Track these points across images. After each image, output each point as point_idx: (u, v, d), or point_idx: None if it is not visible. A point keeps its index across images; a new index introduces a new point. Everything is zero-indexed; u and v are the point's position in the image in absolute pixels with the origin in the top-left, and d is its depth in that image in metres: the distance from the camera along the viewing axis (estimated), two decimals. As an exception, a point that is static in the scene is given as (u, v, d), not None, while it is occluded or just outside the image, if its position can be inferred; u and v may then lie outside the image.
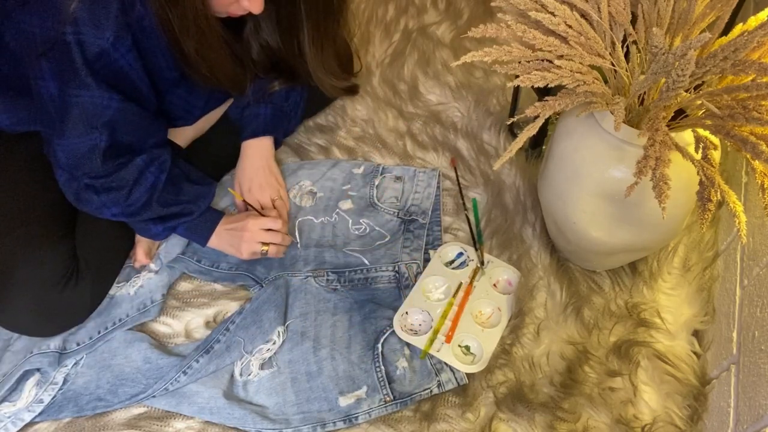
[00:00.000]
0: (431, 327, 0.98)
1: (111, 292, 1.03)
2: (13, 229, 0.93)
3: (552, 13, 0.77)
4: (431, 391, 0.93)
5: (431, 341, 0.96)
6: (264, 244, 1.03)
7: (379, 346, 0.97)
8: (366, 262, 1.08)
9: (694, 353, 0.96)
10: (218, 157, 1.17)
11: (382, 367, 0.95)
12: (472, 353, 0.97)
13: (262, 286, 1.04)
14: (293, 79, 1.10)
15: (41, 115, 0.88)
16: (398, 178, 1.20)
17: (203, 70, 0.93)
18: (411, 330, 0.99)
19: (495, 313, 1.01)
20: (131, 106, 0.89)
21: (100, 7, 0.78)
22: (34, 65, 0.82)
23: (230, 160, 1.20)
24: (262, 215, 1.06)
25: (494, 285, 1.04)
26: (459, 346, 0.97)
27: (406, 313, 1.00)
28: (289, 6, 0.96)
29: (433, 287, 1.04)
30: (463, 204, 1.16)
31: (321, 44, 1.01)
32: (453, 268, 1.07)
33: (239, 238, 1.02)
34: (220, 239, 1.04)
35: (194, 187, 1.03)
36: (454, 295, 1.02)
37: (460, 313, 1.00)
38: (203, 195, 1.03)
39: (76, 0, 0.77)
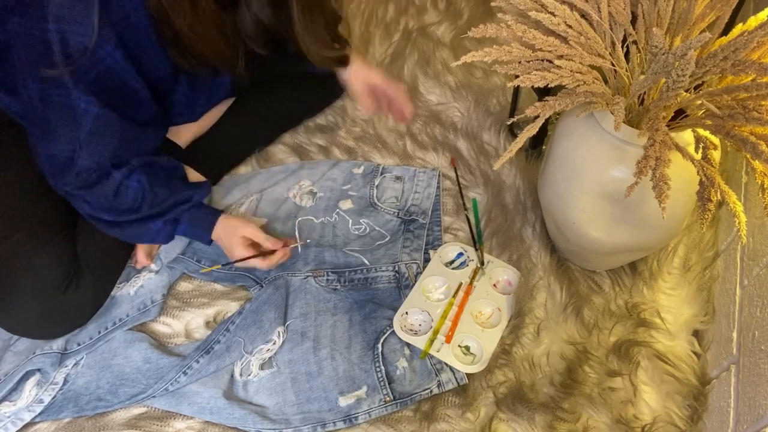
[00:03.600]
0: (431, 327, 0.98)
1: (111, 292, 1.03)
2: (15, 232, 0.93)
3: (552, 13, 0.77)
4: (431, 391, 0.93)
5: (431, 341, 0.96)
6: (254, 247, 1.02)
7: (379, 346, 0.97)
8: (366, 262, 1.08)
9: (694, 353, 0.96)
10: (217, 157, 1.17)
11: (382, 367, 0.95)
12: (472, 353, 0.97)
13: (262, 287, 1.04)
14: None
15: (27, 120, 0.88)
16: (398, 178, 1.20)
17: (195, 48, 0.90)
18: (411, 330, 0.99)
19: (495, 313, 1.01)
20: (113, 116, 0.88)
21: (81, 4, 0.77)
22: (19, 64, 0.82)
23: (229, 160, 1.20)
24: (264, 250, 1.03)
25: (494, 285, 1.04)
26: (459, 346, 0.97)
27: (406, 313, 1.00)
28: None
29: (433, 287, 1.04)
30: (463, 204, 1.16)
31: (310, 12, 0.98)
32: (453, 269, 1.07)
33: (230, 248, 1.02)
34: (222, 231, 1.02)
35: (187, 183, 1.02)
36: (454, 295, 1.02)
37: (460, 313, 1.00)
38: (199, 186, 1.03)
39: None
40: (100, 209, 0.93)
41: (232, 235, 1.02)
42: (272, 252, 1.02)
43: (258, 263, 1.01)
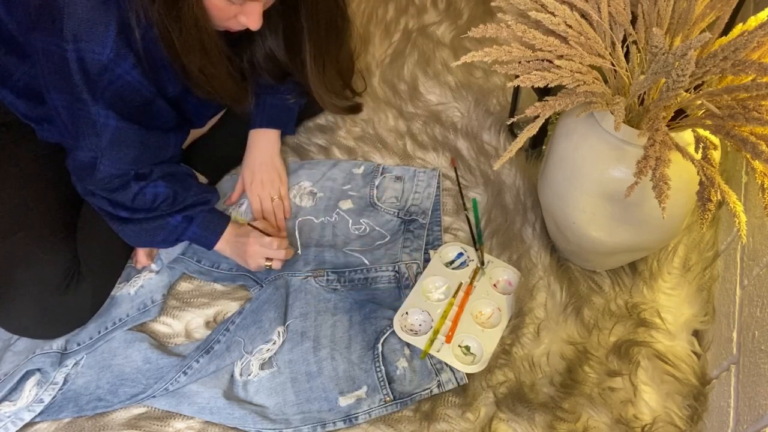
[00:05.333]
0: (431, 327, 0.98)
1: (111, 292, 1.03)
2: (15, 231, 0.93)
3: (552, 13, 0.77)
4: (431, 391, 0.93)
5: (431, 341, 0.96)
6: (267, 258, 1.03)
7: (379, 346, 0.97)
8: (366, 262, 1.08)
9: (694, 353, 0.96)
10: (217, 158, 1.17)
11: (382, 367, 0.95)
12: (472, 353, 0.97)
13: (262, 287, 1.04)
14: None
15: (58, 125, 0.91)
16: (398, 178, 1.20)
17: (206, 86, 0.93)
18: (411, 330, 0.99)
19: (495, 314, 1.01)
20: (132, 128, 0.90)
21: (99, 25, 0.79)
22: (41, 76, 0.84)
23: (229, 161, 1.20)
24: (266, 234, 1.05)
25: (494, 285, 1.04)
26: (459, 346, 0.97)
27: (407, 313, 1.00)
28: (291, 22, 0.96)
29: (433, 287, 1.04)
30: (463, 204, 1.16)
31: (322, 62, 1.03)
32: (453, 269, 1.06)
33: (244, 252, 1.03)
34: (226, 245, 1.04)
35: (204, 186, 1.04)
36: (455, 295, 1.02)
37: (460, 313, 1.00)
38: (213, 191, 1.05)
39: (77, 19, 0.78)
40: (120, 207, 0.95)
41: (239, 255, 1.04)
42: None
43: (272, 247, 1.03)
